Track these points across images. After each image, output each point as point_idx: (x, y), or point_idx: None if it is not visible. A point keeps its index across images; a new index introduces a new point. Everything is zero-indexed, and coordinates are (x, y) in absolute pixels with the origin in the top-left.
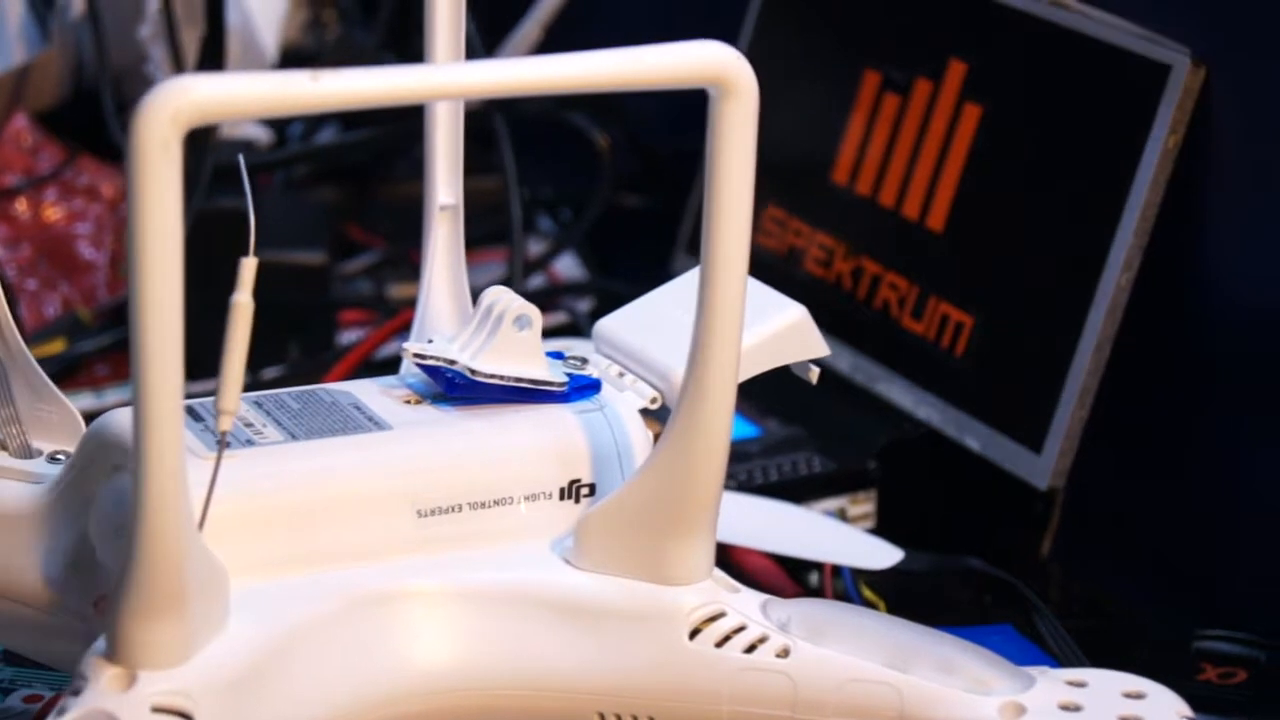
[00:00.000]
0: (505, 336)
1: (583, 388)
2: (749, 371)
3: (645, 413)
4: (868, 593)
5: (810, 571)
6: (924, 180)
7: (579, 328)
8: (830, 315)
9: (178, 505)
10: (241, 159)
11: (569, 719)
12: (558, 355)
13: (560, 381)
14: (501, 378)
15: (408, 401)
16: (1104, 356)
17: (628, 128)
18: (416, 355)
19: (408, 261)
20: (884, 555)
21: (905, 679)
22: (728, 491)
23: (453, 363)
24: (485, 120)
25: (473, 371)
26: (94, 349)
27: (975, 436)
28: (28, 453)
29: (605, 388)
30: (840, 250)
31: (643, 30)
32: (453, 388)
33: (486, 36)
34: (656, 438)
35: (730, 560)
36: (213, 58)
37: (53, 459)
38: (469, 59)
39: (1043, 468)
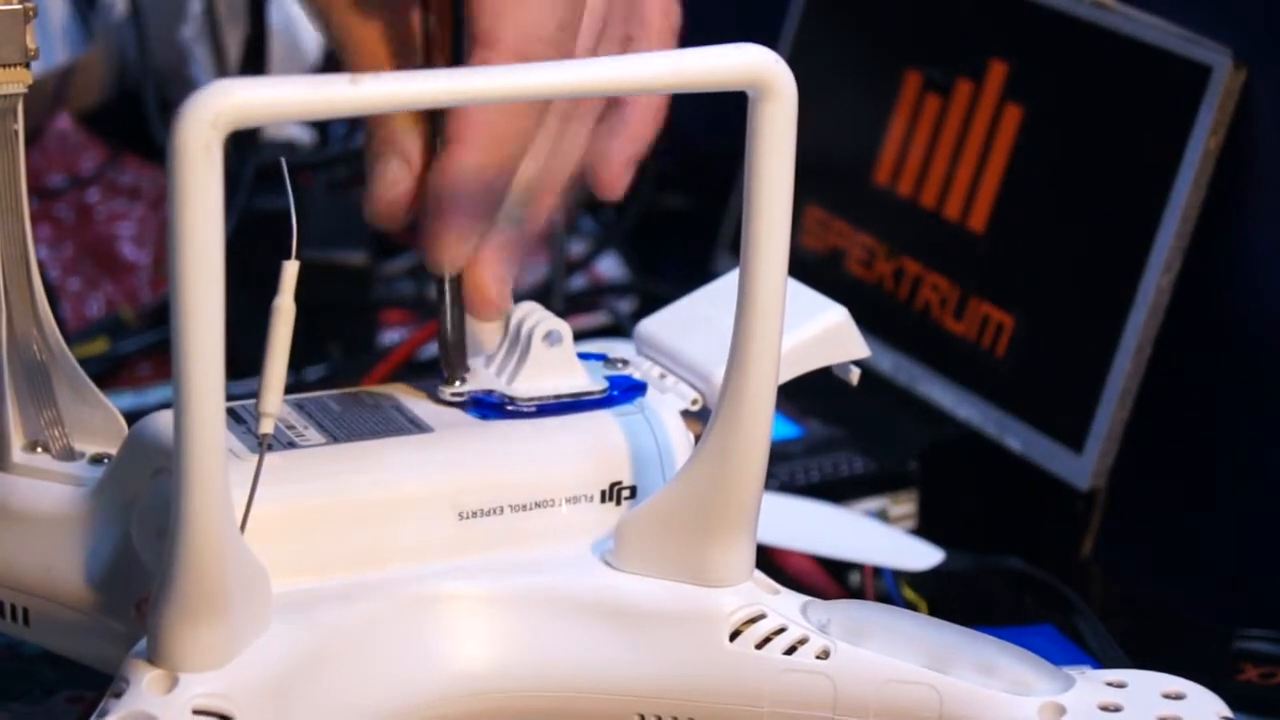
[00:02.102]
0: (537, 355)
1: (629, 389)
2: (790, 373)
3: (686, 414)
4: (909, 593)
5: (851, 572)
6: (965, 181)
7: (621, 328)
8: (872, 316)
9: (219, 507)
10: (284, 160)
11: None
12: (600, 357)
13: (600, 389)
14: (540, 398)
15: (449, 403)
16: (1145, 357)
17: (670, 127)
18: (454, 395)
19: None
20: (925, 556)
21: (945, 680)
22: (769, 492)
23: (490, 392)
24: None
25: (511, 399)
26: (136, 349)
27: (1016, 437)
28: (70, 454)
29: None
30: (882, 251)
31: (683, 32)
32: (494, 414)
33: None
34: (697, 439)
35: (771, 561)
36: (255, 58)
37: (94, 461)
38: None
39: (1084, 468)
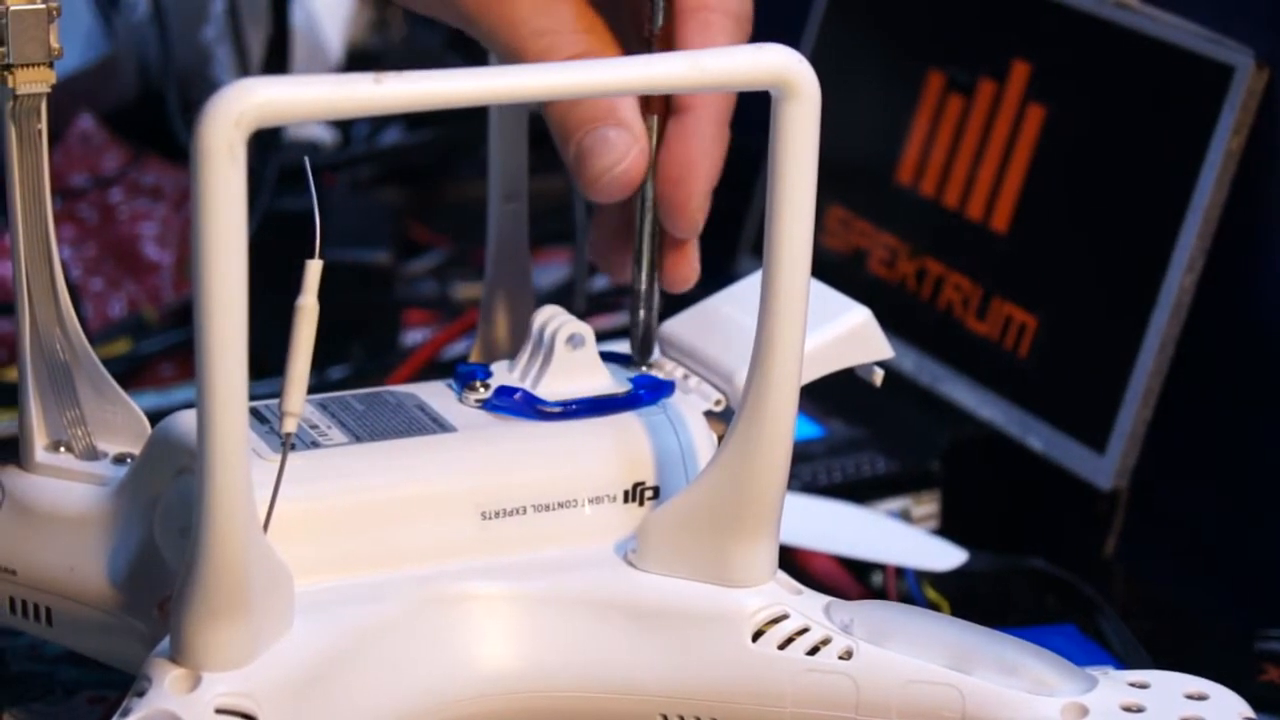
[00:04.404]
0: (561, 358)
1: (656, 389)
2: (813, 374)
3: (709, 415)
4: (931, 593)
5: (874, 573)
6: (988, 181)
7: None
8: (894, 316)
9: (243, 507)
10: (307, 160)
11: None
12: (626, 358)
13: (624, 389)
14: (566, 403)
15: (472, 404)
16: (1167, 357)
17: None
18: (478, 400)
19: (472, 261)
20: (948, 556)
21: (968, 680)
22: (791, 493)
23: (514, 392)
24: None
25: (535, 400)
26: (159, 349)
27: (1039, 437)
28: (93, 454)
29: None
30: (904, 251)
31: None
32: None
33: None
34: (720, 439)
35: (794, 562)
36: (278, 58)
37: (118, 460)
38: None
39: (1106, 468)
